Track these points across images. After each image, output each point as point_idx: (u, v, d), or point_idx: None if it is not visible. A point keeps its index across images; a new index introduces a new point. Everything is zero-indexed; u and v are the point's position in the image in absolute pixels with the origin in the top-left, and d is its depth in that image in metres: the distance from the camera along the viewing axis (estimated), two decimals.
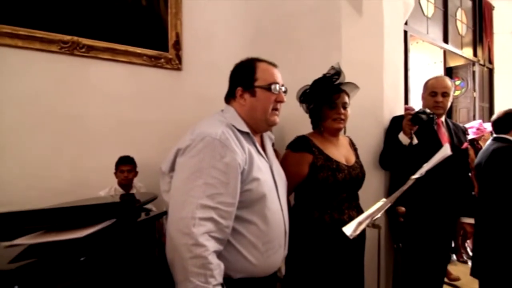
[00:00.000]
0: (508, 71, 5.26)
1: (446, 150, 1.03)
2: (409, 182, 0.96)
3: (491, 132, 2.41)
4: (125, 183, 1.92)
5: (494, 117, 2.05)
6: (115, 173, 1.90)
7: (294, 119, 1.59)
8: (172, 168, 0.93)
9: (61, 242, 0.78)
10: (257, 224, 0.94)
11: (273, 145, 1.96)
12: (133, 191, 1.97)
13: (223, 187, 0.85)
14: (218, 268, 0.82)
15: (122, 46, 1.95)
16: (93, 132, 1.89)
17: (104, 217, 0.82)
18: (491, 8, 5.15)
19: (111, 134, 1.95)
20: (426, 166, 1.00)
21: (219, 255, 0.86)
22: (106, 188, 1.90)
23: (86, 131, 1.87)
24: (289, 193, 1.39)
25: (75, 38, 1.81)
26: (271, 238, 0.97)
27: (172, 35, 2.15)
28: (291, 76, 1.49)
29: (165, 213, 1.03)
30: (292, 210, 1.39)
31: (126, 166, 1.90)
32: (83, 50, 1.84)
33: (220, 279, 0.83)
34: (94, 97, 1.89)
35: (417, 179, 1.00)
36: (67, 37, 1.79)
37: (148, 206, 1.42)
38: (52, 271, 0.75)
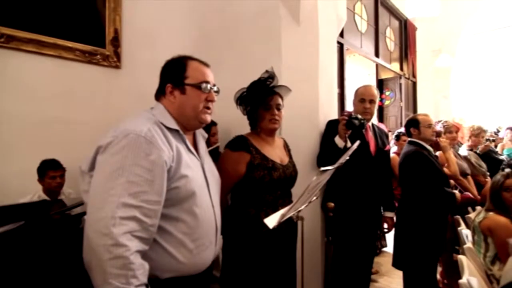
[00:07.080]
0: (428, 84, 6.11)
1: (354, 145, 1.18)
2: (323, 174, 1.05)
3: None
4: (58, 190, 1.76)
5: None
6: (42, 180, 1.72)
7: (240, 122, 1.60)
8: (92, 167, 0.88)
9: None
10: (185, 221, 0.93)
11: (218, 148, 1.98)
12: (62, 197, 1.80)
13: (147, 185, 0.83)
14: (141, 268, 0.79)
15: (49, 39, 1.79)
16: (13, 131, 1.68)
17: (8, 220, 0.74)
18: (414, 29, 5.88)
19: (35, 134, 1.75)
20: (340, 160, 1.11)
21: (144, 255, 0.83)
22: (29, 195, 1.71)
23: (6, 130, 1.66)
24: (227, 192, 1.41)
25: None
26: (200, 235, 0.96)
27: (110, 31, 2.04)
28: (234, 80, 1.52)
29: (84, 214, 0.97)
30: (229, 209, 1.41)
31: (57, 172, 1.74)
32: (2, 40, 1.65)
33: (143, 279, 0.79)
34: (16, 92, 1.70)
35: (336, 171, 1.09)
36: None
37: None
38: None
